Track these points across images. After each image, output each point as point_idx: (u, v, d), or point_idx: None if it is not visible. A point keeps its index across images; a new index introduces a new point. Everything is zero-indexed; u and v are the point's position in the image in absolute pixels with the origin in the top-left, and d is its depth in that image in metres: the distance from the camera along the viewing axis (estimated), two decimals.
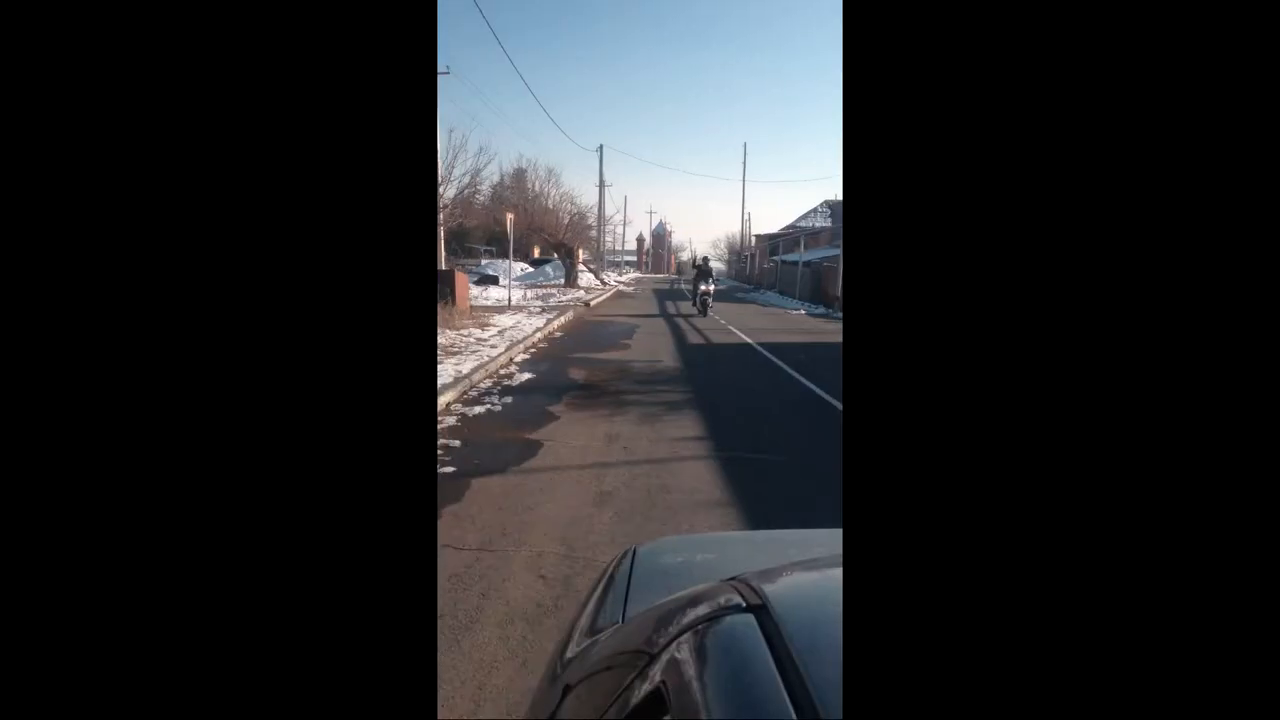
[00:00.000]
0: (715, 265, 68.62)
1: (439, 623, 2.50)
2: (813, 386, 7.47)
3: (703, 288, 17.20)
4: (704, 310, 16.99)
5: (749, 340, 11.81)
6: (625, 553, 1.26)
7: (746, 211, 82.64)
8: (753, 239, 51.23)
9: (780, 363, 9.16)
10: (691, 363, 9.21)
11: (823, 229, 35.00)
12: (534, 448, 4.82)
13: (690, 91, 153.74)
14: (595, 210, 36.77)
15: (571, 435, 5.17)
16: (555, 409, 6.04)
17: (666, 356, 9.70)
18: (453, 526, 3.39)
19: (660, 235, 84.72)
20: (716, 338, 12.26)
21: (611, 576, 1.15)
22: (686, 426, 5.55)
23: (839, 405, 6.36)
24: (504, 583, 2.83)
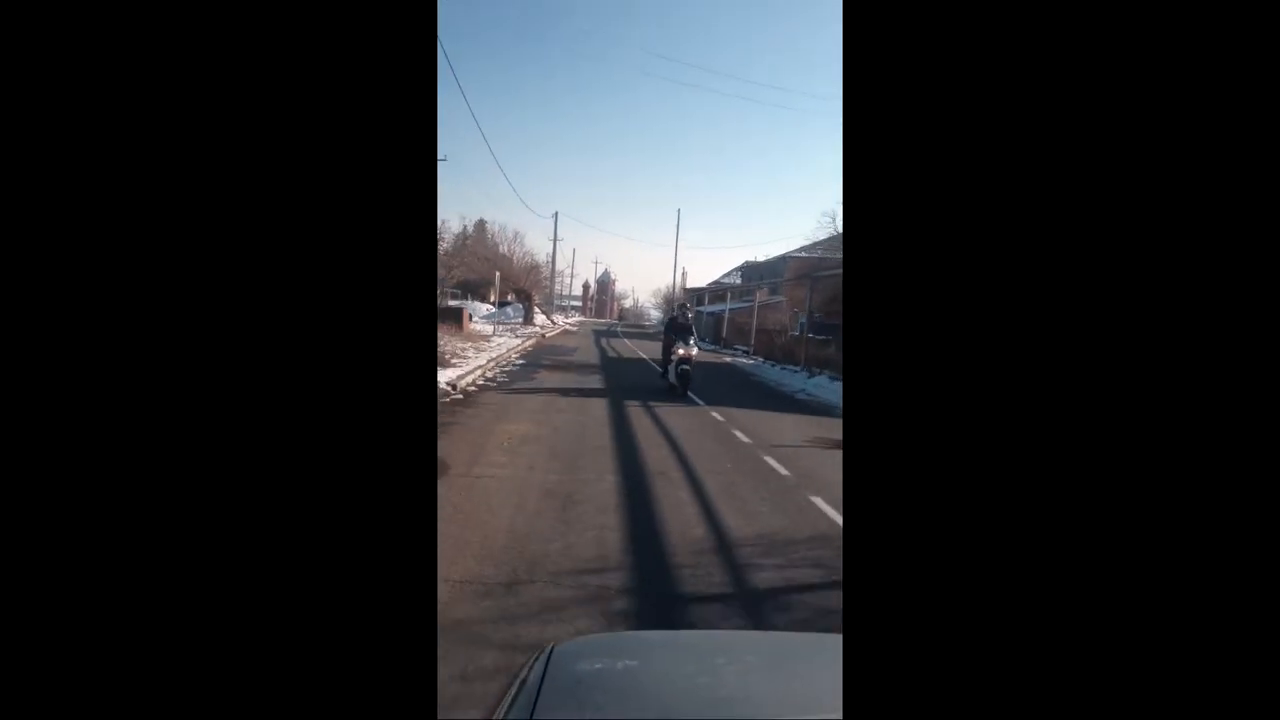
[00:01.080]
0: (652, 313, 72.33)
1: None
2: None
3: (680, 351, 10.92)
4: (684, 387, 10.80)
5: (645, 357, 19.59)
6: (541, 651, 1.09)
7: (681, 268, 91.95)
8: (683, 292, 59.72)
9: (653, 364, 16.90)
10: (607, 363, 16.98)
11: (731, 286, 43.39)
12: (534, 379, 12.36)
13: (635, 166, 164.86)
14: (548, 263, 44.77)
15: (549, 377, 12.73)
16: (540, 371, 13.58)
17: (594, 360, 17.43)
18: (512, 391, 10.87)
19: (604, 284, 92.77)
20: (626, 354, 20.04)
21: (525, 680, 1.00)
22: (596, 377, 13.24)
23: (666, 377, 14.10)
24: (528, 400, 10.34)
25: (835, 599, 3.31)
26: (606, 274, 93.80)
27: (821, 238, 23.01)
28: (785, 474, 5.79)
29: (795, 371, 17.13)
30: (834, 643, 1.46)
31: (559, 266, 52.32)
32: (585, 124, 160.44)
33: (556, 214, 49.78)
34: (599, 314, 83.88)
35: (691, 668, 1.12)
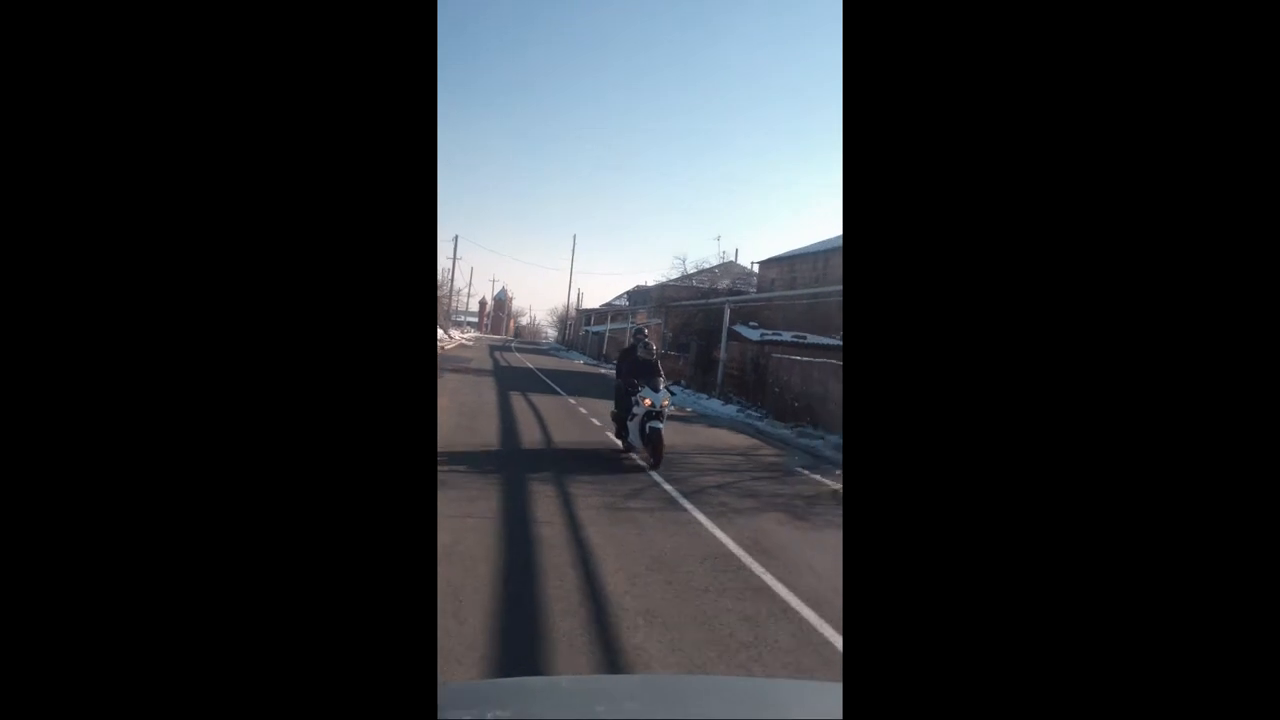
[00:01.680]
0: (548, 332, 68.70)
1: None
2: (542, 377, 19.47)
3: (646, 401, 7.05)
4: (656, 457, 6.87)
5: (532, 367, 23.82)
6: None
7: (577, 289, 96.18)
8: (577, 313, 64.09)
9: (537, 371, 21.18)
10: (499, 370, 21.11)
11: (621, 308, 48.19)
12: (442, 378, 16.32)
13: (532, 192, 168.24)
14: (445, 281, 48.24)
15: (453, 376, 16.74)
16: (445, 374, 17.52)
17: (489, 367, 21.57)
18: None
19: (501, 301, 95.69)
20: (515, 364, 24.11)
21: None
22: (490, 380, 17.34)
23: (551, 384, 18.34)
24: (440, 390, 14.40)
25: (586, 449, 7.74)
26: (503, 292, 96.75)
27: (674, 277, 27.83)
28: (596, 423, 10.23)
29: None
30: (715, 684, 1.62)
31: (457, 285, 55.81)
32: (484, 146, 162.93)
33: (456, 237, 53.41)
34: (495, 330, 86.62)
35: (568, 710, 1.07)
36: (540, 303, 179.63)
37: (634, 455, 7.46)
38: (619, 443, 7.89)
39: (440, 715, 0.80)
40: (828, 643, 3.12)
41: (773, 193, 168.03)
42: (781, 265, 24.98)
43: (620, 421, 7.77)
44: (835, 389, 10.97)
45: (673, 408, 8.64)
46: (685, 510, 5.40)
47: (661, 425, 7.07)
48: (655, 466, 6.88)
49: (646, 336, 8.18)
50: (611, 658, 2.87)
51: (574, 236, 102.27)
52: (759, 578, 3.98)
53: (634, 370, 7.65)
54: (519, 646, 2.85)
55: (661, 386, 7.37)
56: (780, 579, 3.94)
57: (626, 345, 8.45)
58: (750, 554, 4.36)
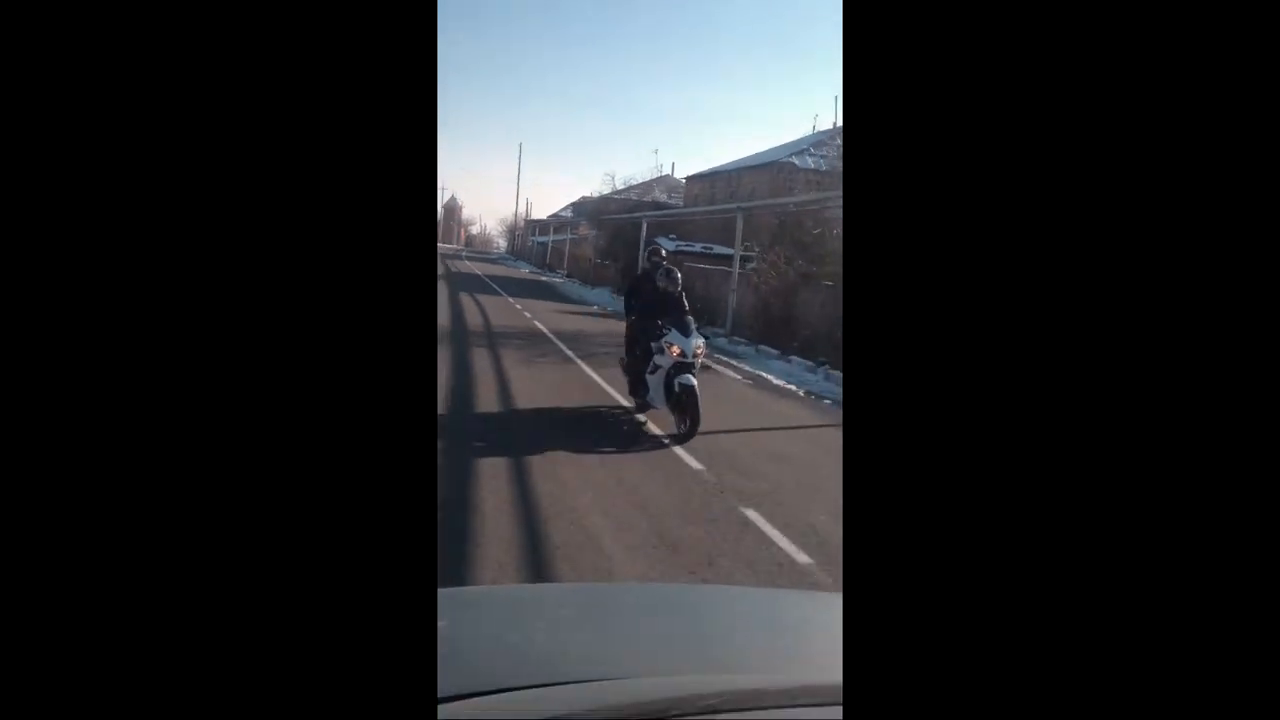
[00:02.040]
0: (499, 242, 64.09)
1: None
2: (490, 283, 22.24)
3: (673, 349, 5.21)
4: (691, 426, 5.07)
5: (480, 274, 26.54)
6: None
7: (526, 199, 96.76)
8: (525, 223, 65.65)
9: (485, 278, 23.98)
10: (450, 276, 23.80)
11: (567, 219, 50.30)
12: None
13: (484, 98, 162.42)
14: None
15: None
16: None
17: (440, 272, 24.27)
18: None
19: (451, 209, 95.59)
20: (465, 270, 26.77)
21: None
22: (441, 285, 20.05)
23: (496, 287, 21.13)
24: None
25: (516, 330, 10.79)
26: (454, 199, 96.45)
27: (607, 191, 30.37)
28: (528, 315, 13.24)
29: (582, 285, 24.66)
30: (638, 592, 1.66)
31: None
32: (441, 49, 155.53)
33: None
34: (445, 239, 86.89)
35: (496, 627, 1.01)
36: (491, 212, 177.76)
37: (645, 419, 5.59)
38: (627, 402, 6.01)
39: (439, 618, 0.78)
40: (620, 404, 6.30)
41: (724, 108, 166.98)
42: (704, 181, 27.68)
43: (635, 375, 5.73)
44: (726, 291, 14.05)
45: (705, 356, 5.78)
46: (575, 363, 8.53)
47: (694, 380, 5.17)
48: (689, 437, 5.04)
49: (665, 259, 6.12)
50: (506, 399, 6.07)
51: (520, 145, 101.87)
52: (602, 388, 7.19)
53: (652, 306, 5.65)
54: (460, 390, 5.95)
55: (692, 328, 5.39)
56: (616, 389, 7.08)
57: (639, 271, 6.42)
58: (604, 381, 7.49)
